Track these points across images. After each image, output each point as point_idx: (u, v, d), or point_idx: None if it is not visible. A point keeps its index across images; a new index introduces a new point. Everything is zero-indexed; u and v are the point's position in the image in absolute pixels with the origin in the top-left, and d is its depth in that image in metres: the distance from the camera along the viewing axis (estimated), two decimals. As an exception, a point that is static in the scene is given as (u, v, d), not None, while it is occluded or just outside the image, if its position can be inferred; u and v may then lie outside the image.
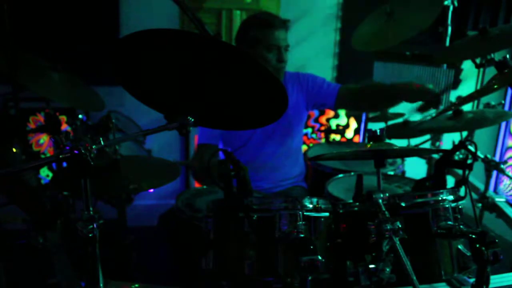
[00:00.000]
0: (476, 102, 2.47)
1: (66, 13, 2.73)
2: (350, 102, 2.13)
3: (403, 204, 1.07)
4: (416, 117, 2.41)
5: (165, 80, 1.02)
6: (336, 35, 3.21)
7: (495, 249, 0.89)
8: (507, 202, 1.93)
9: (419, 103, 2.32)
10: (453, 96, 2.44)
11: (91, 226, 0.92)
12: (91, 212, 0.93)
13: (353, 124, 3.39)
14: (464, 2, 2.20)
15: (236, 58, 0.96)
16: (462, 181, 1.17)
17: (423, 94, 1.87)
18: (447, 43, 2.24)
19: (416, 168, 2.55)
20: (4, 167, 0.94)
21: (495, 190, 3.31)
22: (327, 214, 1.09)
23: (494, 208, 1.89)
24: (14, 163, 1.59)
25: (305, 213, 1.04)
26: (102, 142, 0.93)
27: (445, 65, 2.24)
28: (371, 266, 0.98)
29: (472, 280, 1.00)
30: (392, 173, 2.02)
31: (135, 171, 1.51)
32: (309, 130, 3.34)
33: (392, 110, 2.44)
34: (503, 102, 2.17)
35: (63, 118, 2.75)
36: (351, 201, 1.19)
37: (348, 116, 3.36)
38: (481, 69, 2.26)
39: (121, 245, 1.98)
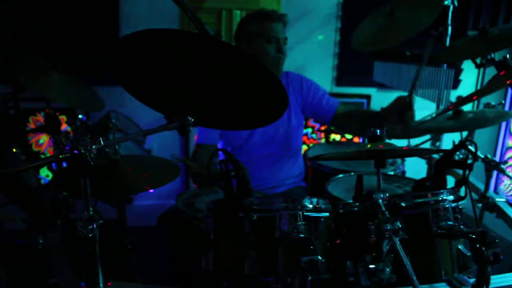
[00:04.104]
0: (476, 102, 2.47)
1: (66, 13, 2.73)
2: (344, 122, 2.14)
3: (403, 204, 1.07)
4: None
5: (165, 80, 1.02)
6: (336, 35, 3.21)
7: (495, 249, 0.89)
8: (507, 202, 1.92)
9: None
10: (453, 96, 2.44)
11: (91, 226, 0.92)
12: (91, 212, 0.93)
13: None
14: (464, 2, 2.19)
15: (236, 58, 0.96)
16: (462, 181, 1.16)
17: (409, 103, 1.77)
18: (447, 43, 2.23)
19: (416, 168, 2.55)
20: (4, 167, 0.94)
21: (495, 190, 3.31)
22: (327, 214, 1.09)
23: (494, 208, 1.88)
24: (14, 163, 1.59)
25: (305, 213, 1.04)
26: (102, 142, 0.93)
27: (445, 65, 2.24)
28: (371, 266, 0.98)
29: (472, 280, 1.00)
30: (392, 173, 2.01)
31: (135, 171, 1.51)
32: (309, 130, 3.34)
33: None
34: (503, 102, 2.16)
35: (63, 118, 2.75)
36: (351, 201, 1.19)
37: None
38: (481, 69, 2.26)
39: (121, 245, 1.98)
